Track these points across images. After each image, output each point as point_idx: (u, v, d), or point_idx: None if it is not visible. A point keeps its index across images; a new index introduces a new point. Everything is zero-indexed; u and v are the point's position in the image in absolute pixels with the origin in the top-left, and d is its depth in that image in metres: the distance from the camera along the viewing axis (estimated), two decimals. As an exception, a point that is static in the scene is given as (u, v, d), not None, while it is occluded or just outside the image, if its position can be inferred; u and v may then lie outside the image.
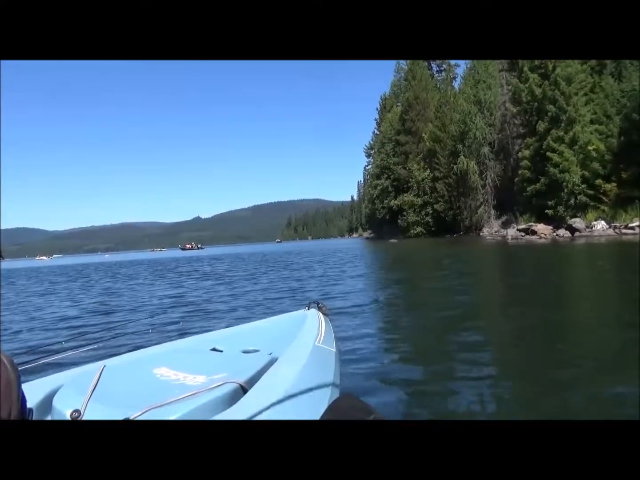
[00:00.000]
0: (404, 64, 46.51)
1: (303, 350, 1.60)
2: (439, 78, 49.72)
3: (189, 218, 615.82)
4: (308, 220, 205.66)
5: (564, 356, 2.87)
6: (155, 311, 5.87)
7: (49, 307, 7.36)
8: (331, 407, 0.90)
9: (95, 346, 1.88)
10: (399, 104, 46.33)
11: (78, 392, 1.17)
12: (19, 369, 0.70)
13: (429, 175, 37.93)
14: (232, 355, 1.72)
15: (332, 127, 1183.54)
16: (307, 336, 1.82)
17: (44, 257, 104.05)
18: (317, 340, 1.77)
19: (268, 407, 1.07)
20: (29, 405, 1.18)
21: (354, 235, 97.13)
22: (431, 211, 37.93)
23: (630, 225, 18.65)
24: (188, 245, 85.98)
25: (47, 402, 1.21)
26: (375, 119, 56.05)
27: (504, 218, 30.54)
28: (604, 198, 21.90)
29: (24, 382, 1.32)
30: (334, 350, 1.86)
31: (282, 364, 1.44)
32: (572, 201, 23.03)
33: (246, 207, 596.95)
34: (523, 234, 23.90)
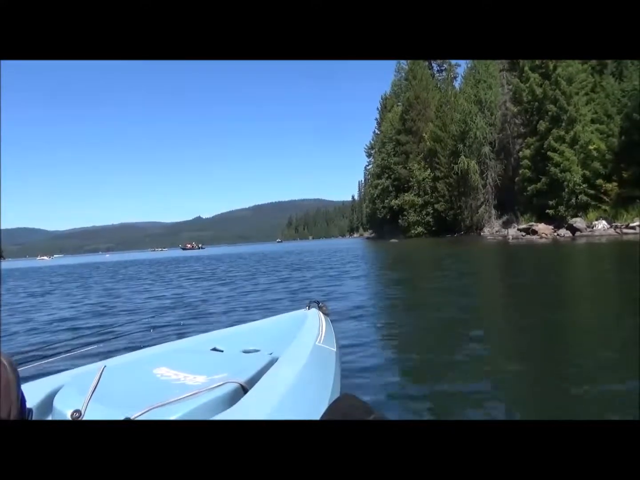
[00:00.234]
0: (404, 63, 46.50)
1: (303, 350, 1.60)
2: (439, 78, 49.72)
3: (189, 218, 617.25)
4: (309, 220, 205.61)
5: (564, 356, 2.86)
6: (156, 311, 5.88)
7: (48, 307, 7.37)
8: (331, 407, 0.90)
9: (96, 346, 1.89)
10: (399, 103, 46.33)
11: (78, 392, 1.17)
12: (19, 369, 0.70)
13: (429, 174, 37.91)
14: (233, 355, 1.72)
15: (332, 127, 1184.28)
16: (307, 336, 1.82)
17: (44, 257, 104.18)
18: (318, 340, 1.77)
19: (268, 407, 1.07)
20: (29, 405, 1.19)
21: (355, 235, 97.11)
22: (432, 211, 37.91)
23: (631, 224, 18.63)
24: (189, 245, 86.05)
25: (47, 402, 1.21)
26: (376, 119, 56.11)
27: (504, 218, 30.53)
28: (604, 198, 21.87)
29: (24, 382, 1.33)
30: (335, 350, 1.86)
31: (283, 364, 1.44)
32: (573, 201, 23.01)
33: (247, 207, 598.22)
34: (524, 233, 23.88)
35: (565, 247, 14.95)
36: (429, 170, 37.98)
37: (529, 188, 25.50)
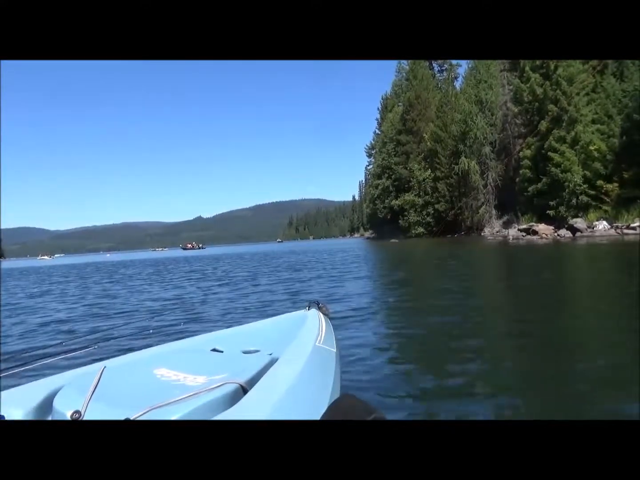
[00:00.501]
0: (405, 63, 46.47)
1: (303, 351, 1.60)
2: (440, 78, 49.71)
3: (190, 218, 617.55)
4: (309, 220, 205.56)
5: (565, 356, 2.86)
6: (156, 312, 5.88)
7: (48, 307, 7.37)
8: (331, 407, 0.90)
9: (96, 347, 1.88)
10: (400, 103, 46.30)
11: (78, 393, 1.17)
12: (20, 369, 0.70)
13: (430, 175, 37.88)
14: (233, 356, 1.71)
15: (332, 127, 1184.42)
16: (307, 336, 1.81)
17: (45, 257, 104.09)
18: (318, 340, 1.77)
19: (268, 408, 1.07)
20: (29, 405, 1.19)
21: (356, 235, 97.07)
22: (432, 211, 37.88)
23: (632, 225, 18.61)
24: (189, 245, 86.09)
25: (47, 403, 1.21)
26: (377, 119, 56.06)
27: (505, 218, 30.50)
28: (605, 198, 21.85)
29: (24, 382, 1.33)
30: (334, 350, 1.85)
31: (283, 364, 1.43)
32: (573, 201, 22.98)
33: (247, 206, 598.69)
34: (524, 234, 23.87)
35: (566, 248, 14.94)
36: (429, 171, 37.94)
37: (529, 188, 25.48)
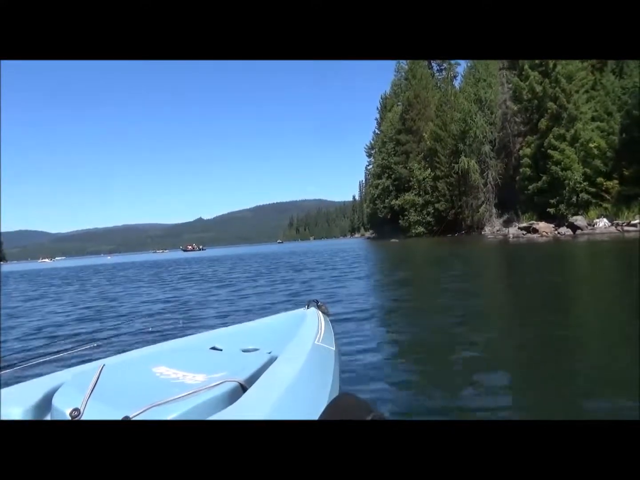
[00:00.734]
0: (404, 63, 46.45)
1: (302, 349, 1.60)
2: (439, 77, 49.67)
3: (191, 219, 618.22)
4: (310, 220, 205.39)
5: (565, 356, 2.86)
6: (156, 312, 5.88)
7: (48, 308, 7.38)
8: (330, 406, 0.90)
9: (95, 345, 1.88)
10: (399, 103, 46.27)
11: (77, 391, 1.17)
12: (20, 367, 0.70)
13: (430, 174, 37.86)
14: (232, 354, 1.71)
15: (333, 126, 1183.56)
16: (306, 335, 1.81)
17: (46, 260, 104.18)
18: (317, 339, 1.77)
19: (267, 406, 1.07)
20: (28, 403, 1.19)
21: (356, 235, 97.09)
22: (432, 210, 37.87)
23: (633, 222, 18.60)
24: (189, 247, 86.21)
25: (46, 401, 1.22)
26: (376, 119, 56.04)
27: (505, 217, 30.49)
28: (605, 195, 21.83)
29: (23, 380, 1.33)
30: (334, 349, 1.85)
31: (282, 363, 1.43)
32: (573, 199, 22.96)
33: (248, 207, 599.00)
34: (524, 232, 23.86)
35: (566, 246, 14.92)
36: (429, 170, 37.92)
37: (529, 187, 25.46)
